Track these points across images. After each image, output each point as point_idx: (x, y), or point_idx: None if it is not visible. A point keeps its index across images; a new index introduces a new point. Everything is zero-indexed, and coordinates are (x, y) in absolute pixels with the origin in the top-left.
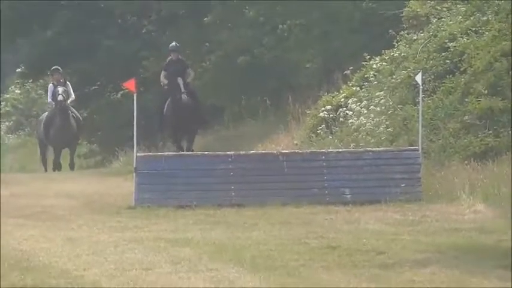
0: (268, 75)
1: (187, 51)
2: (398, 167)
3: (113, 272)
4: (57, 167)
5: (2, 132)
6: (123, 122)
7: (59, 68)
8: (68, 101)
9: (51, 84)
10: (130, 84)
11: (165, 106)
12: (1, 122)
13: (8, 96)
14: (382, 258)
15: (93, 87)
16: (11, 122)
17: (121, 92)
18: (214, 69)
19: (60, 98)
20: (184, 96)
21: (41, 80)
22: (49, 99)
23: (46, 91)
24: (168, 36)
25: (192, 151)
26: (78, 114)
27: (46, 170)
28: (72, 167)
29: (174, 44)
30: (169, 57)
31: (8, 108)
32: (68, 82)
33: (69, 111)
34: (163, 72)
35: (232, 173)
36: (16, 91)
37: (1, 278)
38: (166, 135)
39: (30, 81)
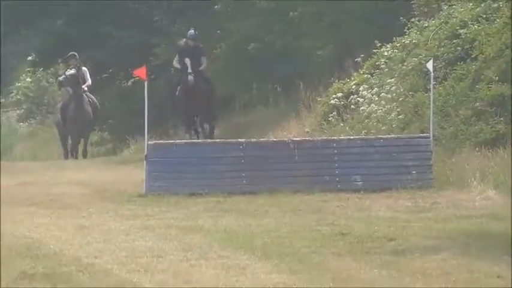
0: (279, 63)
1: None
2: (410, 154)
3: (124, 259)
4: (74, 154)
5: (13, 121)
6: (134, 110)
7: (75, 53)
8: (84, 86)
9: (68, 70)
10: (141, 72)
11: (177, 90)
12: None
13: (19, 84)
14: (393, 244)
15: (104, 75)
16: (22, 111)
17: (132, 80)
18: (225, 57)
19: (60, 78)
20: (190, 77)
21: (51, 68)
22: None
23: (57, 78)
24: (179, 24)
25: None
26: (95, 100)
27: (67, 157)
28: (85, 154)
29: (192, 31)
30: (185, 41)
31: (19, 97)
32: (84, 67)
33: (84, 97)
34: (176, 57)
35: (243, 161)
36: (27, 79)
37: (12, 265)
38: (179, 121)
39: (41, 69)
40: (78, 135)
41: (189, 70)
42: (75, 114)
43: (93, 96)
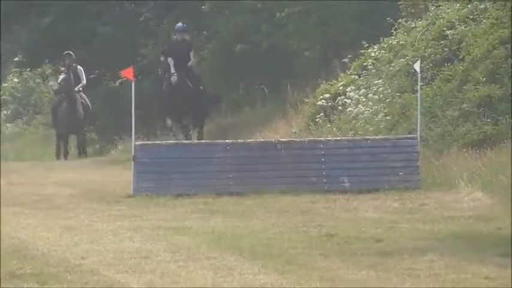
0: (266, 63)
1: None
2: (397, 155)
3: (111, 260)
4: (64, 155)
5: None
6: (121, 110)
7: (71, 52)
8: (77, 87)
9: (63, 69)
10: (128, 73)
11: (162, 89)
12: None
13: (5, 85)
14: (381, 246)
15: (91, 76)
16: (9, 111)
17: (119, 80)
18: (212, 57)
19: (56, 87)
20: (174, 78)
21: (38, 69)
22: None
23: (44, 78)
24: (166, 23)
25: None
26: (87, 101)
27: (58, 157)
28: (84, 153)
29: (180, 24)
30: (173, 38)
31: (5, 97)
32: (79, 67)
33: (77, 98)
34: (162, 55)
35: (230, 162)
36: (14, 80)
37: (0, 266)
38: (165, 121)
39: (27, 69)
40: (67, 134)
41: (172, 70)
42: (66, 114)
43: (85, 97)
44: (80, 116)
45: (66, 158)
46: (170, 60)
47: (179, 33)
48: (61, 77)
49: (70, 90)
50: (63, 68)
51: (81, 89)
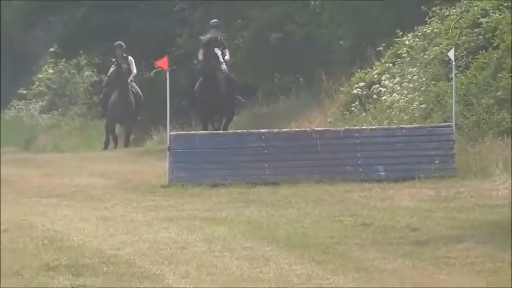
0: (300, 52)
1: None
2: (432, 144)
3: (147, 251)
4: (115, 142)
5: (36, 113)
6: (156, 100)
7: (122, 43)
8: (130, 78)
9: (114, 59)
10: (163, 63)
11: (197, 84)
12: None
13: (41, 76)
14: (416, 235)
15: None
16: (45, 102)
17: (154, 71)
18: (246, 46)
19: (107, 80)
20: (224, 67)
21: (73, 60)
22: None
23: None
24: (200, 13)
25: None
26: (138, 90)
27: (106, 146)
28: (127, 144)
29: (215, 20)
30: (208, 35)
31: (41, 88)
32: (130, 57)
33: (129, 88)
34: (201, 50)
35: (266, 151)
36: (49, 71)
37: (35, 257)
38: (197, 114)
39: (63, 60)
40: (114, 123)
41: (221, 60)
42: (118, 104)
43: (137, 87)
44: (132, 105)
45: (115, 147)
46: (217, 50)
47: (213, 29)
48: (111, 69)
49: (122, 81)
50: (113, 59)
51: (132, 79)
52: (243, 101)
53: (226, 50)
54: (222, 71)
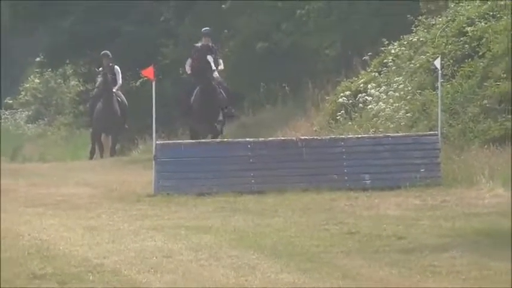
0: (287, 61)
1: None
2: (418, 152)
3: (133, 259)
4: (100, 152)
5: (22, 122)
6: (142, 110)
7: (108, 52)
8: (115, 88)
9: (100, 69)
10: (148, 72)
11: (193, 95)
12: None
13: (27, 85)
14: (402, 243)
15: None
16: (31, 112)
17: (140, 80)
18: (233, 56)
19: (95, 91)
20: (216, 75)
21: (60, 69)
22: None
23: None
24: (187, 23)
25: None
26: (124, 100)
27: (92, 156)
28: (112, 153)
29: (206, 28)
30: (199, 44)
31: (27, 98)
32: (116, 67)
33: (113, 97)
34: (189, 60)
35: (251, 160)
36: (35, 80)
37: (22, 266)
38: (192, 126)
39: (49, 70)
40: (100, 132)
41: (213, 67)
42: (103, 113)
43: (123, 96)
44: (117, 114)
45: (102, 156)
46: (209, 57)
47: (205, 37)
48: (98, 79)
49: (107, 90)
50: (100, 69)
51: (118, 88)
52: (233, 111)
53: (220, 59)
54: (214, 79)
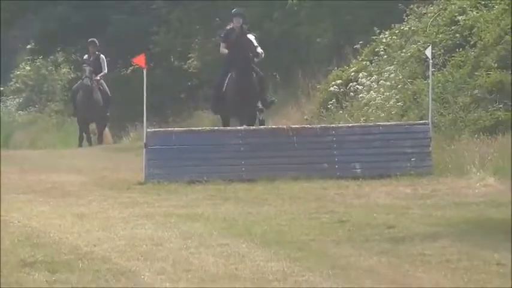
0: (278, 51)
1: (197, 26)
2: (409, 141)
3: (123, 247)
4: (88, 141)
5: (13, 109)
6: (133, 97)
7: (95, 40)
8: (98, 76)
9: (86, 56)
10: (140, 60)
11: (225, 83)
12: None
13: (18, 73)
14: (393, 232)
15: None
16: (21, 99)
17: (131, 68)
18: None
19: (86, 81)
20: (260, 50)
21: (51, 56)
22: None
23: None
24: (178, 11)
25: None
26: (106, 88)
27: (80, 144)
28: (100, 141)
29: (237, 8)
30: (230, 26)
31: (18, 85)
32: (101, 55)
33: (93, 86)
34: (222, 44)
35: (242, 148)
36: (26, 67)
37: (12, 254)
38: (226, 117)
39: (40, 57)
40: (86, 122)
41: (256, 44)
42: (84, 102)
43: (104, 84)
44: (99, 103)
45: (90, 144)
46: (251, 36)
47: (236, 18)
48: (87, 68)
49: (89, 79)
50: (85, 56)
51: (102, 77)
52: (274, 99)
53: (259, 47)
54: (259, 54)
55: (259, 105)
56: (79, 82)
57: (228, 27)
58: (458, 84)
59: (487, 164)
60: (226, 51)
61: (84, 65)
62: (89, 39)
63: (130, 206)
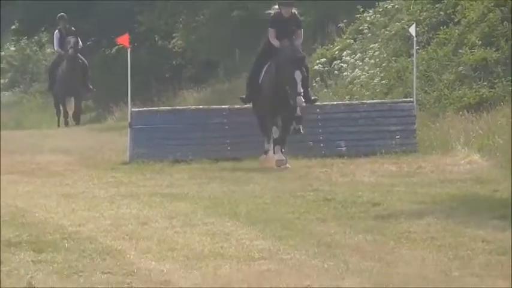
0: (262, 29)
1: (181, 6)
2: (393, 119)
3: (108, 227)
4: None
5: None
6: (117, 77)
7: (64, 15)
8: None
9: (57, 31)
10: (124, 40)
11: (262, 75)
12: None
13: (3, 53)
14: (378, 209)
15: (88, 43)
16: (6, 80)
17: (115, 48)
18: (208, 23)
19: (71, 51)
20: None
21: (35, 37)
22: (56, 47)
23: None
24: None
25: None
26: (85, 62)
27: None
28: (77, 118)
29: None
30: (277, 10)
31: (3, 66)
32: (73, 28)
33: (77, 57)
34: (271, 30)
35: (227, 127)
36: (11, 48)
37: None
38: (263, 115)
39: (24, 38)
40: (65, 96)
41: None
42: (68, 71)
43: (83, 58)
44: (80, 77)
45: (66, 123)
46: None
47: (284, 7)
48: (72, 39)
49: (74, 52)
50: (56, 31)
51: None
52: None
53: (301, 30)
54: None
55: (298, 112)
56: (58, 54)
57: (273, 11)
58: (442, 61)
59: (472, 141)
60: (278, 42)
61: (70, 36)
62: (59, 15)
63: (115, 185)
